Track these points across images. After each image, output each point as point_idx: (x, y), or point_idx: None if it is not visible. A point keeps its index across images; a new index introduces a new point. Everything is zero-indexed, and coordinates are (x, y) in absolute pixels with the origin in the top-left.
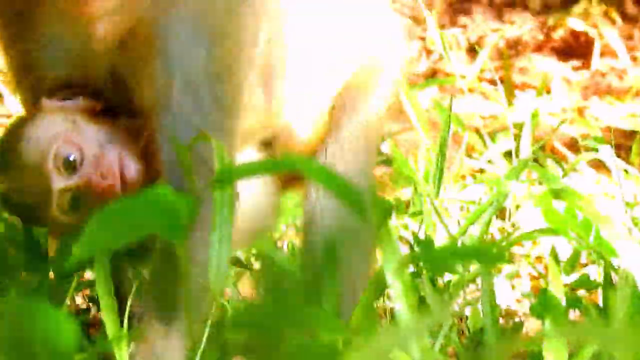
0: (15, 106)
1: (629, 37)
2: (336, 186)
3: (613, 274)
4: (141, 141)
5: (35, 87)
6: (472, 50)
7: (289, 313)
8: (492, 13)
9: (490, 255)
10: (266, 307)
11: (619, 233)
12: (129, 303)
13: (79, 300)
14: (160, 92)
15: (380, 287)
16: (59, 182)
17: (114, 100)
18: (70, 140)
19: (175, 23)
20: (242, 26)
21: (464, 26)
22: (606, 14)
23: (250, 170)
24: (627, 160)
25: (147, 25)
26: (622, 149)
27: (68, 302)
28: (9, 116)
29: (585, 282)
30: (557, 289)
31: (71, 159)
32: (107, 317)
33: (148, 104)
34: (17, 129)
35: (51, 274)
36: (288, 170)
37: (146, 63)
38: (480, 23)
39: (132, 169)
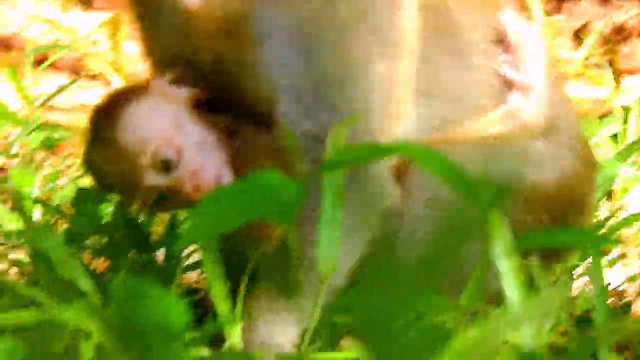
0: None
1: None
2: (447, 171)
3: None
4: (236, 142)
5: (154, 66)
6: (577, 37)
7: (399, 294)
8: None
9: (598, 237)
10: (375, 288)
11: None
12: (241, 284)
13: (191, 276)
14: (264, 93)
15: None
16: (151, 179)
17: (216, 93)
18: (172, 142)
19: (275, 22)
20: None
21: (569, 12)
22: None
23: (362, 154)
24: None
25: (245, 19)
26: None
27: (177, 282)
28: None
29: None
30: None
31: (169, 160)
32: (217, 298)
33: (251, 102)
34: (120, 103)
35: (159, 254)
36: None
37: (246, 62)
38: (585, 9)
39: (226, 180)
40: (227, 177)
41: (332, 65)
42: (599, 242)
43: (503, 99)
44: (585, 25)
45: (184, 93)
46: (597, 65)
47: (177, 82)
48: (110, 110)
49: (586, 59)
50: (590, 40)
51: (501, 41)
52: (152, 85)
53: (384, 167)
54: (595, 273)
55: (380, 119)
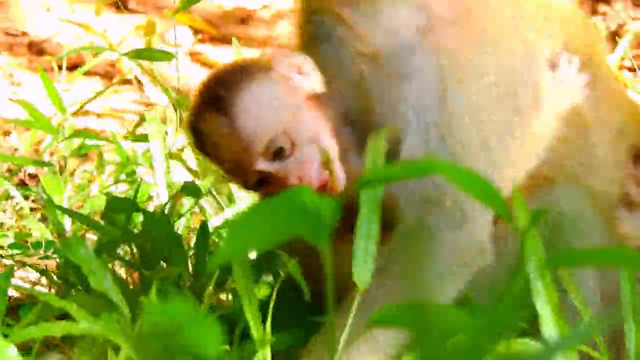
0: (154, 95)
1: None
2: (480, 190)
3: None
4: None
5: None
6: (612, 39)
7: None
8: (632, 1)
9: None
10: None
11: None
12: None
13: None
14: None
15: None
16: (260, 163)
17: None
18: (289, 134)
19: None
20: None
21: (604, 14)
22: None
23: (399, 172)
24: None
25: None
26: None
27: (207, 300)
28: (147, 104)
29: None
30: None
31: (283, 150)
32: (251, 320)
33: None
34: (244, 81)
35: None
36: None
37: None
38: (620, 11)
39: (338, 183)
40: (339, 183)
41: (463, 126)
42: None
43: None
44: (620, 27)
45: (306, 84)
46: (631, 70)
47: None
48: (233, 85)
49: (621, 59)
50: (624, 42)
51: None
52: (276, 66)
53: (486, 226)
54: (627, 297)
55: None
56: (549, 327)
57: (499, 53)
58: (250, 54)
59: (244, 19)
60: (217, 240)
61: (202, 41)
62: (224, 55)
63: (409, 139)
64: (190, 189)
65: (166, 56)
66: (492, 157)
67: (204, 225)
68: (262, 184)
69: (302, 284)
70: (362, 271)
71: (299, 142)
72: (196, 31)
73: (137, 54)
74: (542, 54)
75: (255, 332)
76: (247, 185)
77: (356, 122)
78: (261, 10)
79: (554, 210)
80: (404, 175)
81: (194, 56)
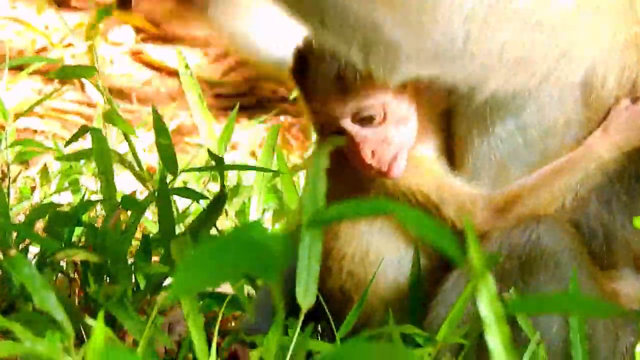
0: (95, 95)
1: None
2: (433, 233)
3: None
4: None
5: None
6: None
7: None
8: None
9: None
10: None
11: None
12: None
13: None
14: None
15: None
16: (347, 122)
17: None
18: (385, 108)
19: None
20: None
21: None
22: None
23: (348, 212)
24: None
25: None
26: None
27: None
28: (89, 104)
29: None
30: None
31: (372, 118)
32: (202, 358)
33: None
34: None
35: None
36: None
37: None
38: None
39: (397, 170)
40: (398, 170)
41: None
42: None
43: None
44: None
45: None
46: None
47: None
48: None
49: None
50: None
51: None
52: None
53: None
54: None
55: None
56: None
57: None
58: (192, 54)
59: (186, 17)
60: (162, 250)
61: (144, 40)
62: (166, 55)
63: None
64: (129, 203)
65: (89, 72)
66: None
67: (145, 238)
68: (338, 135)
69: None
70: (307, 293)
71: (390, 119)
72: (138, 30)
73: (61, 73)
74: None
75: None
76: (321, 131)
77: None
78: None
79: (532, 247)
80: (354, 215)
81: (136, 55)
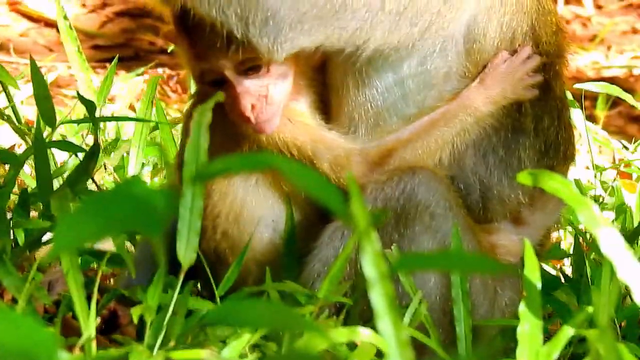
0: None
1: None
2: (317, 187)
3: None
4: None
5: None
6: None
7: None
8: None
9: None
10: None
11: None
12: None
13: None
14: None
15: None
16: (229, 71)
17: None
18: (272, 63)
19: None
20: None
21: None
22: None
23: (234, 165)
24: (592, 111)
25: None
26: (587, 98)
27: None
28: None
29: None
30: None
31: (257, 68)
32: (82, 316)
33: None
34: None
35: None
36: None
37: None
38: None
39: (271, 127)
40: (270, 125)
41: None
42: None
43: None
44: None
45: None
46: None
47: None
48: None
49: None
50: None
51: None
52: None
53: None
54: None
55: None
56: (384, 320)
57: None
58: (70, 4)
59: None
60: (40, 205)
61: None
62: (44, 5)
63: None
64: (7, 157)
65: None
66: None
67: (24, 193)
68: (215, 85)
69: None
70: (188, 250)
71: (273, 73)
72: None
73: None
74: None
75: (85, 328)
76: (201, 79)
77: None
78: None
79: (407, 199)
80: (238, 169)
81: (13, 6)
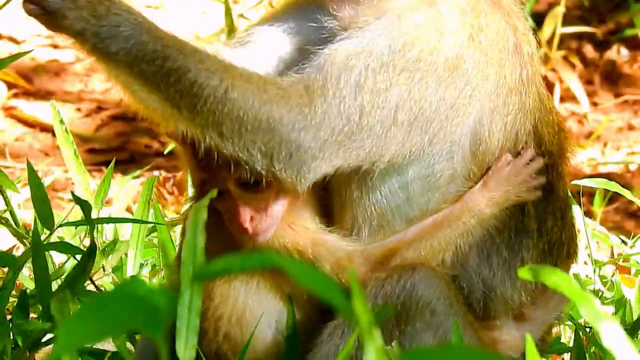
0: None
1: (589, 82)
2: (319, 285)
3: None
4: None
5: None
6: None
7: None
8: None
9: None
10: None
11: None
12: None
13: None
14: None
15: None
16: (232, 183)
17: None
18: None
19: None
20: None
21: None
22: (566, 59)
23: (235, 265)
24: (589, 207)
25: None
26: (584, 194)
27: None
28: None
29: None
30: None
31: (256, 184)
32: None
33: None
34: None
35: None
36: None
37: None
38: None
39: (266, 236)
40: (263, 235)
41: None
42: None
43: None
44: None
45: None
46: None
47: None
48: None
49: None
50: None
51: None
52: None
53: None
54: None
55: None
56: None
57: None
58: (65, 109)
59: (58, 72)
60: (40, 306)
61: (16, 95)
62: (39, 110)
63: None
64: (6, 260)
65: None
66: None
67: (22, 296)
68: (218, 196)
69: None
70: (187, 347)
71: (273, 188)
72: (10, 85)
73: None
74: None
75: None
76: (201, 187)
77: None
78: (75, 63)
79: (407, 296)
80: (239, 268)
81: (8, 111)
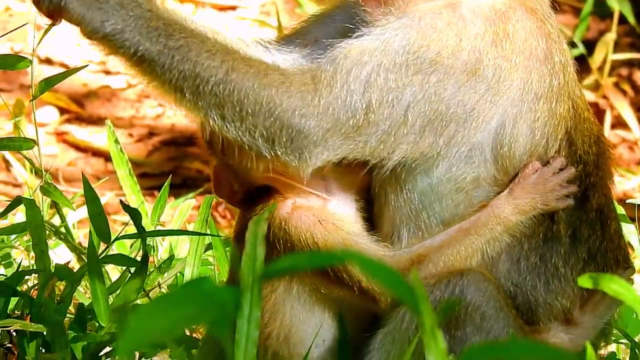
0: (22, 175)
1: None
2: (386, 278)
3: None
4: None
5: None
6: None
7: None
8: None
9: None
10: None
11: None
12: None
13: None
14: None
15: None
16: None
17: None
18: None
19: None
20: None
21: None
22: (617, 85)
23: (306, 262)
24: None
25: None
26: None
27: None
28: (14, 185)
29: None
30: None
31: None
32: None
33: None
34: None
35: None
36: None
37: None
38: None
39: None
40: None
41: None
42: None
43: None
44: None
45: None
46: None
47: None
48: None
49: None
50: None
51: None
52: None
53: None
54: None
55: None
56: None
57: None
58: (117, 134)
59: (110, 98)
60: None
61: (68, 121)
62: (92, 135)
63: None
64: (64, 273)
65: (27, 145)
66: None
67: (80, 309)
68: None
69: None
70: (246, 358)
71: None
72: (62, 110)
73: None
74: None
75: None
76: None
77: None
78: (126, 89)
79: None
80: (310, 265)
81: (60, 136)
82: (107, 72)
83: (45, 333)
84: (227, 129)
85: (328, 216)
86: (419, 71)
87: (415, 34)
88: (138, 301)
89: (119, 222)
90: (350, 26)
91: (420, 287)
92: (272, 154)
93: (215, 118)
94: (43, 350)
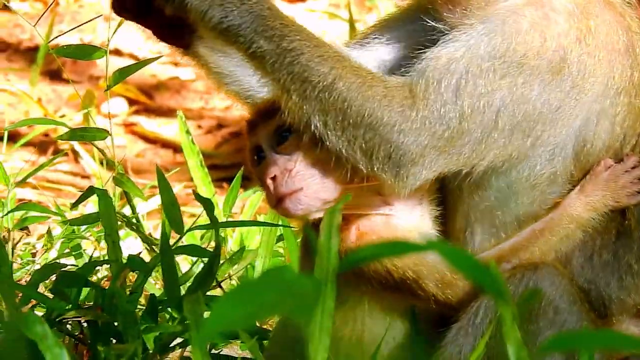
0: (90, 166)
1: None
2: (472, 270)
3: None
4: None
5: None
6: None
7: None
8: None
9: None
10: None
11: None
12: None
13: None
14: None
15: None
16: (265, 144)
17: None
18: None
19: None
20: None
21: None
22: None
23: (386, 251)
24: None
25: None
26: None
27: None
28: (83, 176)
29: None
30: None
31: (285, 141)
32: None
33: None
34: None
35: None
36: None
37: None
38: None
39: (294, 207)
40: (300, 208)
41: None
42: None
43: None
44: None
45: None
46: None
47: None
48: None
49: None
50: None
51: None
52: None
53: None
54: None
55: None
56: None
57: None
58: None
59: (179, 89)
60: (166, 314)
61: (137, 112)
62: (161, 127)
63: None
64: (136, 263)
65: (100, 134)
66: None
67: (152, 300)
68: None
69: None
70: (319, 349)
71: (303, 150)
72: (131, 101)
73: (71, 136)
74: None
75: None
76: (251, 163)
77: None
78: (196, 81)
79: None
80: (393, 253)
81: (129, 127)
82: (176, 64)
83: (116, 324)
84: (328, 137)
85: (393, 232)
86: (506, 75)
87: (500, 39)
88: (210, 292)
89: (187, 214)
90: (429, 30)
91: (502, 278)
92: (369, 168)
93: (318, 124)
94: (114, 341)
